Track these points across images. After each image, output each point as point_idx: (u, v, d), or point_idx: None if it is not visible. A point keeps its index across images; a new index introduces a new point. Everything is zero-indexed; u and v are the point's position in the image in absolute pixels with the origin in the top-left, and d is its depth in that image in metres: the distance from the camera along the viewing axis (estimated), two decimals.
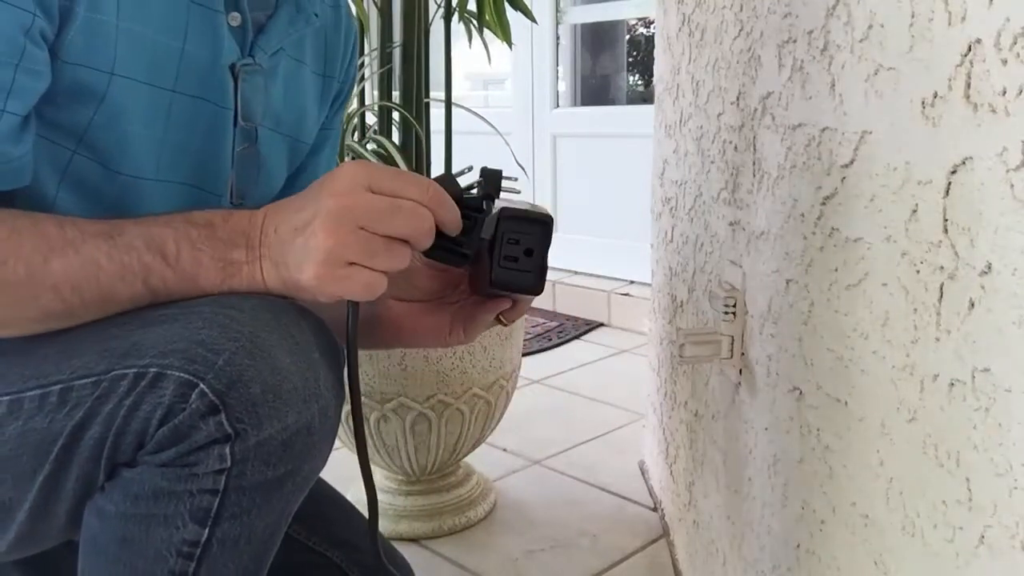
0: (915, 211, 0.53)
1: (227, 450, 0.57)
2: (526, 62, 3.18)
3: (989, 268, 0.45)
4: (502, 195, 0.71)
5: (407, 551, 1.15)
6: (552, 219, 0.68)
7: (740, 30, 0.92)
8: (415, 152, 1.50)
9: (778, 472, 0.79)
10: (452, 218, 0.63)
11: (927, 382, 0.52)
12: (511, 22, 1.56)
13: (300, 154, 0.86)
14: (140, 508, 0.59)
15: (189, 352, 0.57)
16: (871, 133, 0.59)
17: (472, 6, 1.55)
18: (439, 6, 1.55)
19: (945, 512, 0.51)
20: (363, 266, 0.59)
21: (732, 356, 0.91)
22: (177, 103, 0.70)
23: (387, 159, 1.45)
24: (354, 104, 1.55)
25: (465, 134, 2.05)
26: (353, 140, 1.52)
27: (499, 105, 3.48)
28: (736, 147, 0.94)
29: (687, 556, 1.25)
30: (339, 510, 0.93)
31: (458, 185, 0.66)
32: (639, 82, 3.36)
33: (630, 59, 3.34)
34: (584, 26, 3.24)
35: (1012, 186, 0.43)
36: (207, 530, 0.59)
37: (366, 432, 1.18)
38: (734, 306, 0.91)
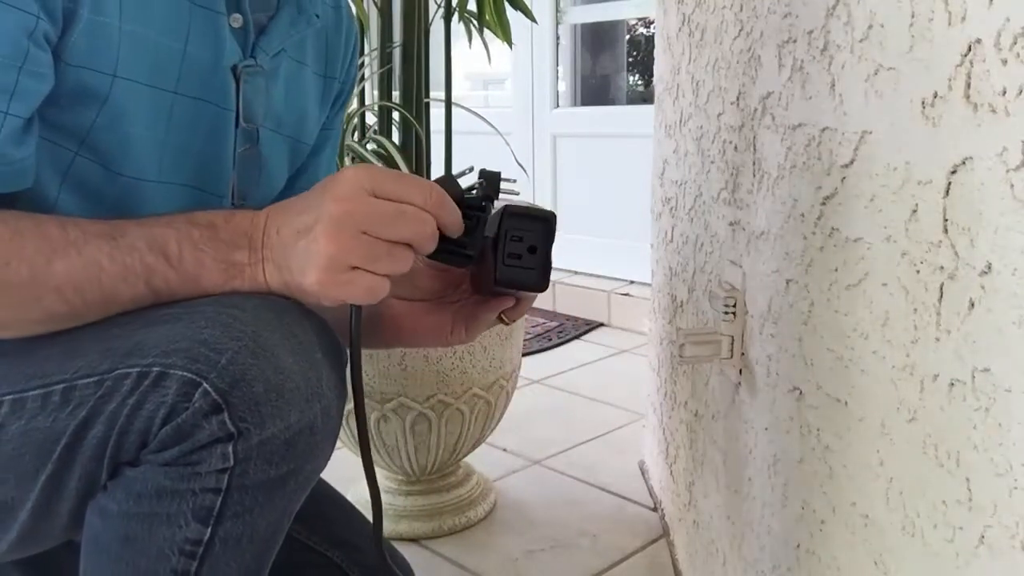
0: (915, 211, 0.53)
1: (230, 449, 0.57)
2: (526, 62, 3.18)
3: (989, 268, 0.46)
4: (502, 196, 0.71)
5: (407, 551, 1.15)
6: (555, 216, 0.68)
7: (740, 30, 0.92)
8: (415, 152, 1.50)
9: (778, 472, 0.79)
10: (454, 221, 0.64)
11: (927, 382, 0.52)
12: (511, 22, 1.56)
13: (301, 155, 0.86)
14: (143, 507, 0.59)
15: (192, 351, 0.57)
16: (871, 133, 0.59)
17: (472, 6, 1.55)
18: (439, 6, 1.55)
19: (945, 512, 0.51)
20: (366, 270, 0.60)
21: (732, 356, 0.91)
22: (179, 105, 0.70)
23: (387, 159, 1.45)
24: (354, 104, 1.55)
25: (465, 134, 2.06)
26: (353, 140, 1.52)
27: (499, 105, 3.48)
28: (736, 147, 0.94)
29: (687, 556, 1.25)
30: (340, 510, 0.93)
31: (459, 186, 0.66)
32: (639, 82, 3.36)
33: (630, 59, 3.34)
34: (584, 26, 3.24)
35: (1012, 186, 0.43)
36: (209, 529, 0.59)
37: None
38: (734, 306, 0.91)
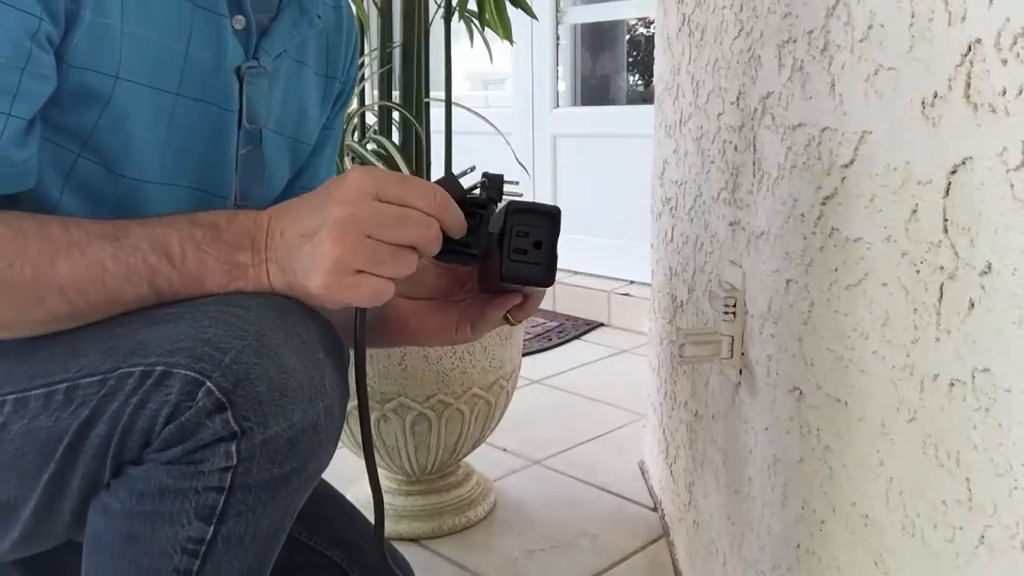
0: (915, 211, 0.53)
1: (233, 448, 0.57)
2: (526, 62, 3.18)
3: (989, 268, 0.46)
4: (505, 198, 0.71)
5: (407, 551, 1.15)
6: (560, 211, 0.68)
7: (740, 30, 0.92)
8: (415, 152, 1.50)
9: (778, 472, 0.79)
10: (457, 222, 0.64)
11: (927, 382, 0.52)
12: (511, 20, 1.56)
13: (302, 155, 0.86)
14: (146, 505, 0.59)
15: (195, 350, 0.57)
16: (871, 133, 0.59)
17: (472, 5, 1.55)
18: (439, 6, 1.55)
19: (945, 512, 0.51)
20: (370, 274, 0.60)
21: (732, 356, 0.91)
22: (181, 106, 0.70)
23: (387, 159, 1.45)
24: (354, 104, 1.55)
25: (465, 134, 2.06)
26: (353, 140, 1.52)
27: (499, 105, 3.48)
28: (736, 147, 0.94)
29: (687, 556, 1.25)
30: (340, 510, 0.93)
31: (460, 186, 0.66)
32: (639, 82, 3.36)
33: (630, 59, 3.34)
34: (584, 26, 3.24)
35: (1012, 186, 0.43)
36: (212, 528, 0.59)
37: None
38: (734, 306, 0.91)
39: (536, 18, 1.74)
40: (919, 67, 0.52)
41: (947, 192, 0.49)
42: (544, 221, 0.68)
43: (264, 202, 0.82)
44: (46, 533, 0.64)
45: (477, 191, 0.68)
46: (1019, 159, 0.43)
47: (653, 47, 1.68)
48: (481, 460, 1.61)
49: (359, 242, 0.59)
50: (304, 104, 0.84)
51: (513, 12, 1.56)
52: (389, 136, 1.53)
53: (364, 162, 1.44)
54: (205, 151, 0.74)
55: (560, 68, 3.19)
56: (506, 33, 1.56)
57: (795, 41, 0.73)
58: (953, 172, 0.49)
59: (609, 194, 2.96)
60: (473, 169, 0.73)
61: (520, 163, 1.79)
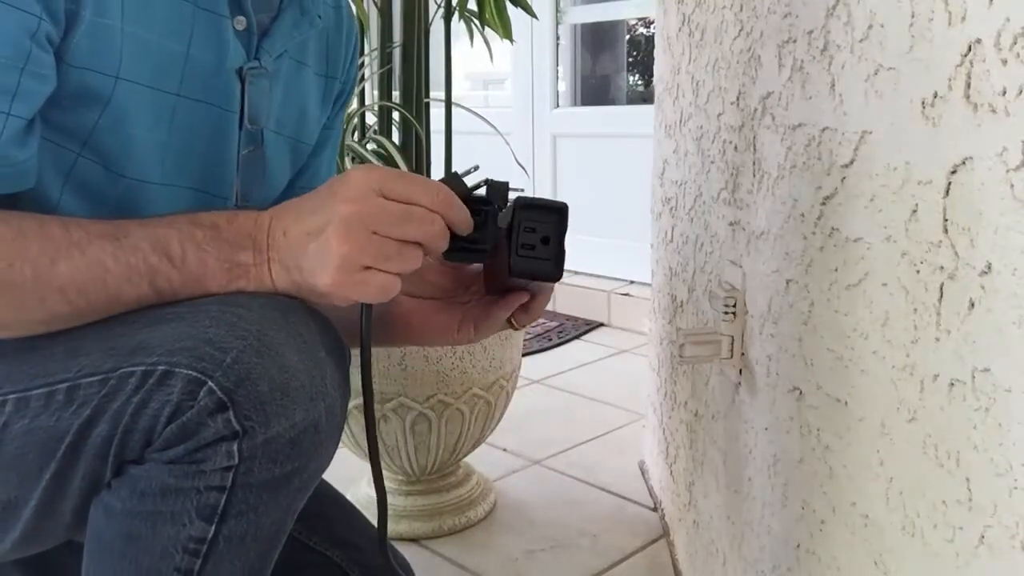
0: (915, 211, 0.53)
1: (235, 447, 0.57)
2: (526, 62, 3.18)
3: (989, 268, 0.46)
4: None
5: (407, 551, 1.15)
6: (567, 206, 0.68)
7: (740, 30, 0.92)
8: (415, 152, 1.50)
9: (778, 472, 0.79)
10: (462, 219, 0.65)
11: (927, 382, 0.52)
12: (511, 20, 1.56)
13: (303, 155, 0.86)
14: (147, 505, 0.59)
15: (197, 350, 0.57)
16: (871, 133, 0.59)
17: (472, 5, 1.55)
18: (439, 6, 1.55)
19: (945, 512, 0.51)
20: (378, 269, 0.61)
21: (732, 356, 0.91)
22: (181, 107, 0.70)
23: (387, 159, 1.45)
24: (354, 104, 1.55)
25: (465, 134, 2.06)
26: (353, 140, 1.52)
27: (499, 105, 3.48)
28: (736, 147, 0.94)
29: (687, 556, 1.25)
30: (340, 510, 0.93)
31: (465, 185, 0.66)
32: (639, 82, 3.36)
33: (630, 59, 3.34)
34: (584, 26, 3.24)
35: (1012, 186, 0.43)
36: (214, 527, 0.59)
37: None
38: (734, 306, 0.91)
39: (536, 18, 1.74)
40: (919, 67, 0.52)
41: (947, 192, 0.49)
42: (552, 216, 0.68)
43: (264, 202, 0.82)
44: (47, 533, 0.64)
45: (480, 190, 0.68)
46: (1019, 159, 0.43)
47: (653, 47, 1.68)
48: (481, 460, 1.61)
49: (366, 239, 0.60)
50: (304, 104, 0.84)
51: (513, 12, 1.56)
52: (389, 136, 1.53)
53: (364, 162, 1.44)
54: (206, 152, 0.74)
55: (560, 68, 3.19)
56: (506, 33, 1.56)
57: (795, 41, 0.73)
58: (953, 172, 0.49)
59: (609, 194, 2.96)
60: (477, 168, 0.73)
61: (520, 164, 1.79)
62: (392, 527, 1.42)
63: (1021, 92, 0.43)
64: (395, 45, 1.51)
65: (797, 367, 0.74)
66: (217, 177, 0.75)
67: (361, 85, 1.57)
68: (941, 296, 0.50)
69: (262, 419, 0.57)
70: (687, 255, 1.22)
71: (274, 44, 0.76)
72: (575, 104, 3.24)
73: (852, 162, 0.62)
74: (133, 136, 0.67)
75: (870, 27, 0.59)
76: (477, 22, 1.57)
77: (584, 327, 2.73)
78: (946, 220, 0.50)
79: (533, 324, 2.67)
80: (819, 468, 0.69)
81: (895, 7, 0.55)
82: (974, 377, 0.47)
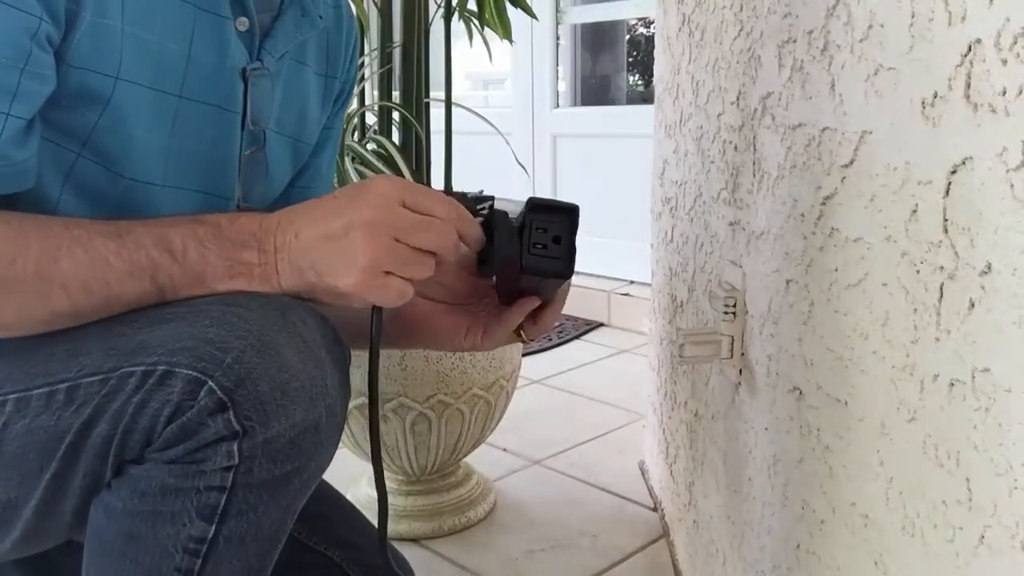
0: (915, 211, 0.53)
1: (235, 447, 0.57)
2: (526, 62, 3.18)
3: (989, 268, 0.46)
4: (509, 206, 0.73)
5: (407, 551, 1.15)
6: (578, 207, 0.70)
7: (740, 30, 0.92)
8: (415, 152, 1.51)
9: (778, 472, 0.79)
10: (474, 233, 0.68)
11: (927, 382, 0.52)
12: (511, 20, 1.56)
13: (303, 155, 0.87)
14: (147, 505, 0.59)
15: (197, 350, 0.57)
16: (871, 133, 0.59)
17: (472, 5, 1.55)
18: (439, 6, 1.55)
19: (945, 512, 0.51)
20: (396, 275, 0.63)
21: (732, 356, 0.92)
22: (184, 108, 0.70)
23: (387, 159, 1.45)
24: (354, 104, 1.55)
25: (465, 134, 2.05)
26: (353, 140, 1.52)
27: (499, 105, 3.49)
28: (736, 147, 0.94)
29: (687, 556, 1.25)
30: (339, 510, 0.93)
31: (471, 203, 0.69)
32: (639, 82, 3.36)
33: (630, 59, 3.34)
34: (584, 26, 3.24)
35: (1012, 186, 0.43)
36: (214, 527, 0.59)
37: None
38: (734, 306, 0.91)
39: (536, 18, 1.74)
40: (919, 67, 0.52)
41: (947, 192, 0.49)
42: (563, 217, 0.70)
43: (265, 202, 0.82)
44: (47, 532, 0.64)
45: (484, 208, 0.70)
46: (1019, 159, 0.43)
47: (653, 47, 1.68)
48: (481, 460, 1.61)
49: (390, 244, 0.62)
50: (304, 104, 0.84)
51: (513, 12, 1.56)
52: (389, 136, 1.53)
53: (364, 162, 1.44)
54: (209, 153, 0.74)
55: (560, 68, 3.19)
56: (506, 33, 1.56)
57: (795, 41, 0.73)
58: (953, 172, 0.49)
59: (609, 194, 2.95)
60: (482, 192, 0.76)
61: (520, 163, 1.79)
62: (392, 527, 1.42)
63: (1021, 92, 0.43)
64: (395, 45, 1.51)
65: (797, 367, 0.74)
66: (220, 178, 0.76)
67: (361, 85, 1.57)
68: (941, 296, 0.50)
69: (262, 419, 0.58)
70: (687, 255, 1.22)
71: (276, 44, 0.76)
72: (575, 104, 3.24)
73: (852, 162, 0.62)
74: (134, 137, 0.67)
75: (870, 27, 0.59)
76: (477, 22, 1.57)
77: (584, 327, 2.73)
78: (946, 220, 0.50)
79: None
80: (819, 468, 0.69)
81: (895, 7, 0.55)
82: (974, 377, 0.47)
